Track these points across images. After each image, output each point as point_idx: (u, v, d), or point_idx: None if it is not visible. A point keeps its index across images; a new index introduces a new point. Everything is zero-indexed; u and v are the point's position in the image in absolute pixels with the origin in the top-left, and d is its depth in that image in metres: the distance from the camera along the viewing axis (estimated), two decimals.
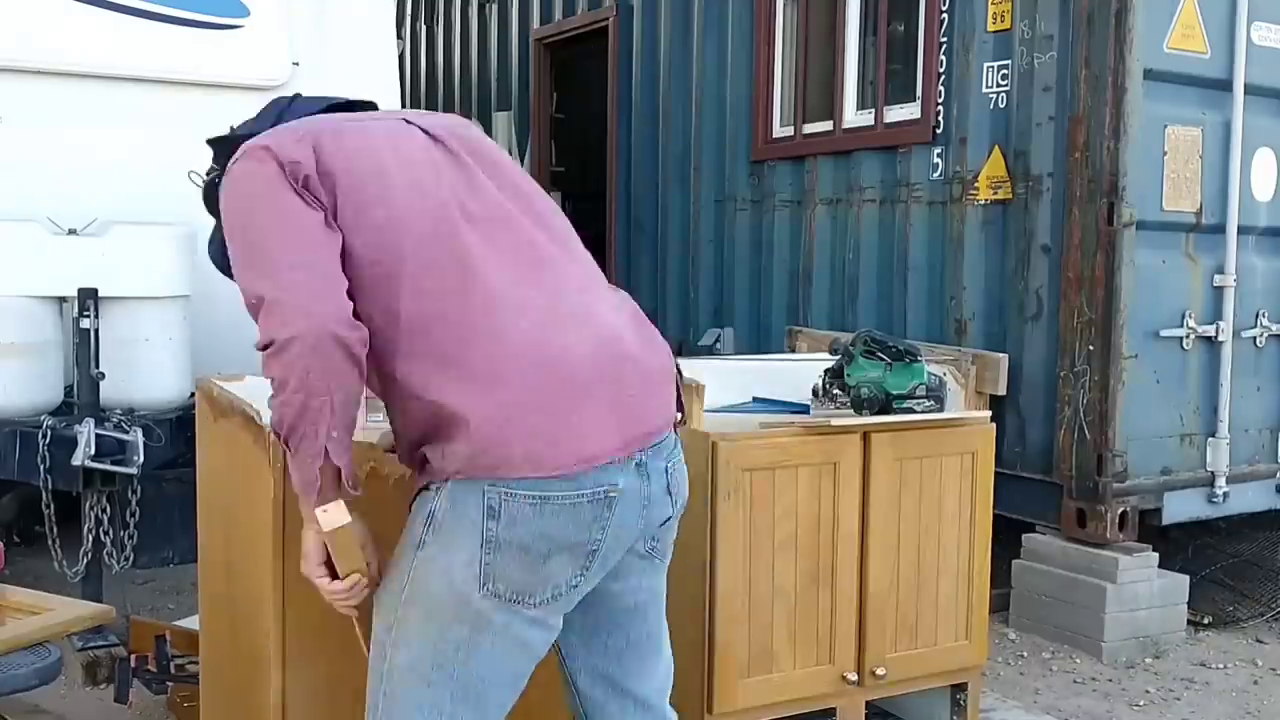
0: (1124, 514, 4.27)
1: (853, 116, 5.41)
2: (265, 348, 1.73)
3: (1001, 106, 4.63)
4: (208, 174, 2.05)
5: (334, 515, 1.80)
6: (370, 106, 2.14)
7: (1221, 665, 4.19)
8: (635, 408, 1.82)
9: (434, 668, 1.81)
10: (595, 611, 1.95)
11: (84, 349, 3.67)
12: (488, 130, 8.36)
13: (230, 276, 1.90)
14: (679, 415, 1.97)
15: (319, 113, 2.04)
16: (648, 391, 1.86)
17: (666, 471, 1.89)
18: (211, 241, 2.06)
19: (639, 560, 1.94)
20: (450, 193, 1.87)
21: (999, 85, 4.63)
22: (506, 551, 1.75)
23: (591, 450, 1.76)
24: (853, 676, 3.00)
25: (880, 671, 3.03)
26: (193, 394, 3.76)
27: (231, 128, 2.06)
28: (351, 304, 1.76)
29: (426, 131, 1.96)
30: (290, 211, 1.79)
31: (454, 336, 1.77)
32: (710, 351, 5.87)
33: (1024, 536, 4.52)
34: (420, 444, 1.81)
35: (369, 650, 1.91)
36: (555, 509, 1.74)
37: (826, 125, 5.50)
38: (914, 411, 3.02)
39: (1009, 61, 4.59)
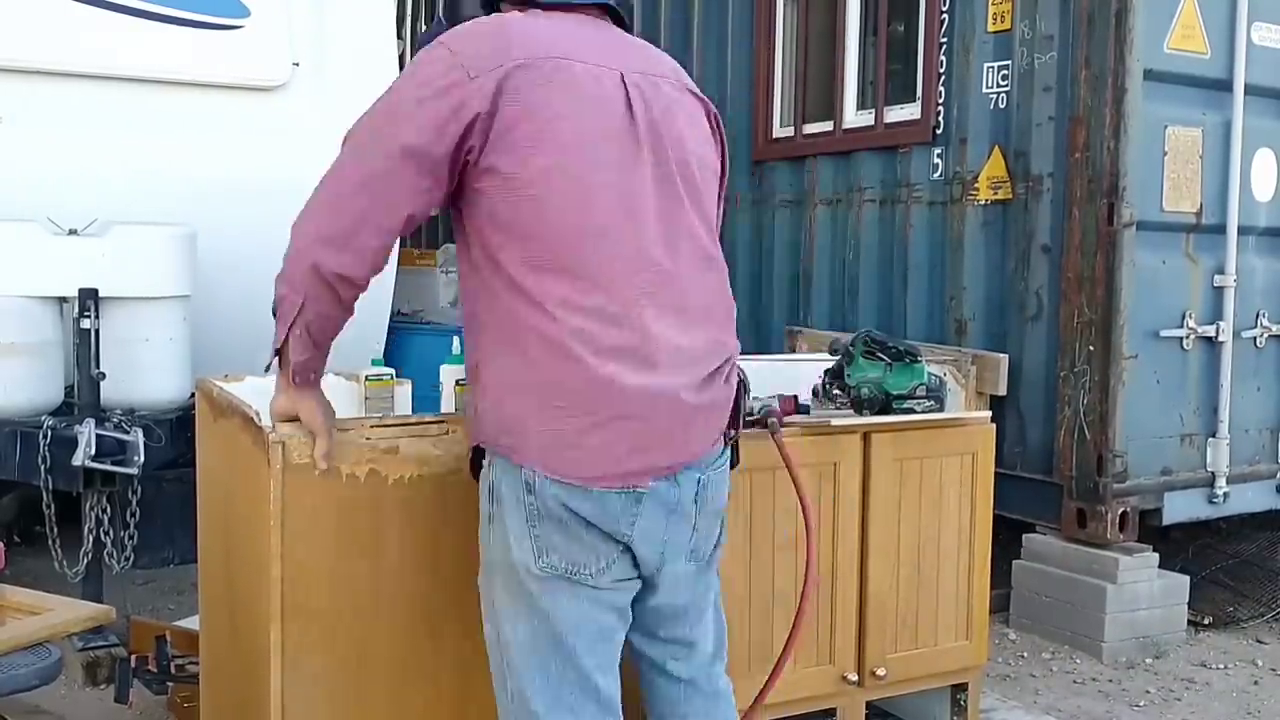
0: (1124, 514, 4.27)
1: (853, 117, 5.40)
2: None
3: (1002, 107, 4.63)
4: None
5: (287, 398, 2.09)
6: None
7: (1221, 665, 4.19)
8: (666, 445, 1.92)
9: (531, 634, 1.94)
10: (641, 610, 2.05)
11: (84, 349, 3.67)
12: None
13: None
14: (732, 432, 2.07)
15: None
16: (686, 429, 1.95)
17: (699, 482, 1.99)
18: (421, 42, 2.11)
19: (683, 564, 2.02)
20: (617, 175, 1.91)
21: (999, 85, 4.63)
22: (548, 522, 1.88)
23: (590, 474, 1.88)
24: (853, 677, 3.01)
25: (880, 672, 3.03)
26: (193, 394, 3.76)
27: None
28: (369, 249, 1.92)
29: (630, 107, 1.94)
30: (423, 126, 1.86)
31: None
32: None
33: (1024, 536, 4.52)
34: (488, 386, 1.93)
35: None
36: (581, 495, 1.87)
37: (827, 125, 5.50)
38: (914, 411, 3.02)
39: (1009, 62, 4.59)
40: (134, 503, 3.67)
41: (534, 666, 1.95)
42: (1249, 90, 4.49)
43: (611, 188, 1.89)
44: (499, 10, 2.04)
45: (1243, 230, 4.55)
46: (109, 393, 3.73)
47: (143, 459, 3.56)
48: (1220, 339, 4.52)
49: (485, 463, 1.97)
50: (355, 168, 1.95)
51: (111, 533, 3.68)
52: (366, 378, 2.98)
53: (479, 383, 1.96)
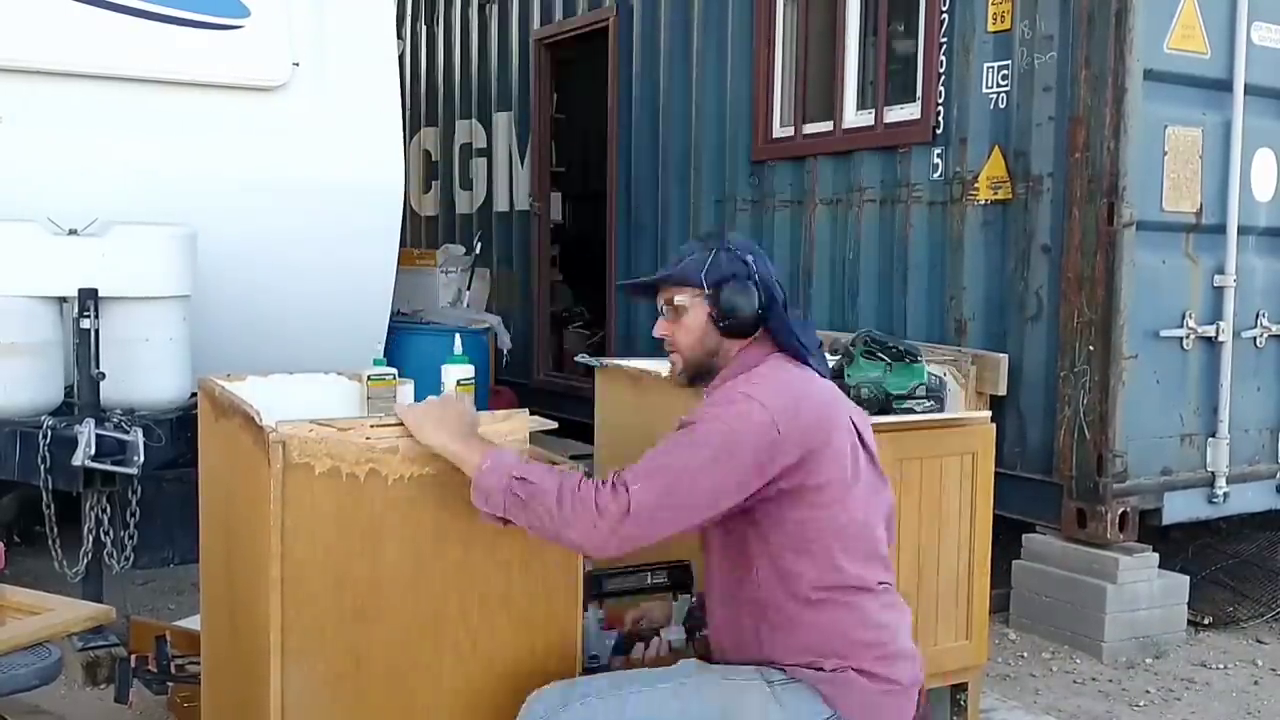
0: (1124, 514, 4.27)
1: (853, 117, 5.40)
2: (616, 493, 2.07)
3: (1001, 107, 4.63)
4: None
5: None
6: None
7: (1221, 665, 4.19)
8: None
9: None
10: None
11: (84, 349, 3.67)
12: (488, 130, 8.39)
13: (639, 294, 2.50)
14: None
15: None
16: None
17: None
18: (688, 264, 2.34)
19: None
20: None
21: (999, 85, 4.63)
22: None
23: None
24: None
25: None
26: (193, 394, 3.77)
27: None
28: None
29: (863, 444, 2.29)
30: (733, 469, 2.11)
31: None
32: None
33: (1024, 536, 4.52)
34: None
35: None
36: None
37: (827, 125, 5.50)
38: (914, 411, 3.02)
39: (1009, 62, 4.59)
40: (134, 503, 3.67)
41: None
42: (1249, 90, 4.49)
43: None
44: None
45: (1243, 230, 4.55)
46: (109, 393, 3.73)
47: (143, 459, 3.56)
48: (1220, 339, 4.52)
49: None
50: None
51: (111, 533, 3.68)
52: (369, 377, 2.98)
53: None
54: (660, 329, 2.38)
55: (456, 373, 3.08)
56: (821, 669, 2.14)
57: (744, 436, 2.10)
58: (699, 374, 2.36)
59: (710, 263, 2.28)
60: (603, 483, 2.09)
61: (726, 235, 2.40)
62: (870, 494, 2.25)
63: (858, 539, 2.19)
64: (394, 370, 3.01)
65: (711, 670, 2.24)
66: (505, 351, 7.05)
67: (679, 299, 2.32)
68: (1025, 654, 4.23)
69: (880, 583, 2.22)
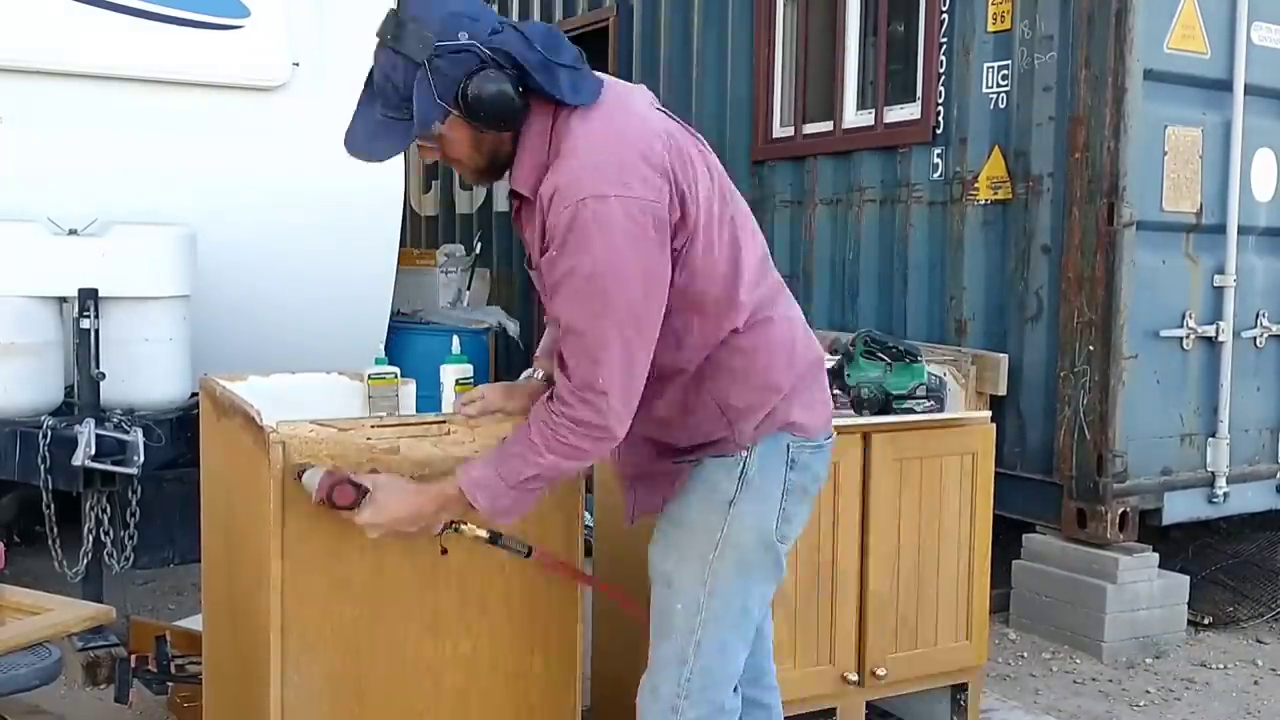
0: (1124, 514, 4.27)
1: (853, 117, 5.40)
2: (576, 421, 1.95)
3: (1001, 107, 4.63)
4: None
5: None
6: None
7: (1221, 665, 4.19)
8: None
9: (741, 611, 2.16)
10: None
11: (84, 349, 3.66)
12: None
13: (367, 157, 2.06)
14: None
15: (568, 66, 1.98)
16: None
17: None
18: (357, 127, 2.07)
19: None
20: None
21: (999, 85, 4.63)
22: (798, 495, 2.17)
23: (828, 420, 2.24)
24: (853, 676, 3.01)
25: (881, 672, 3.03)
26: (193, 394, 3.77)
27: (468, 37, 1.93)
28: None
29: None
30: (654, 278, 1.95)
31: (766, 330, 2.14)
32: None
33: (1024, 536, 4.52)
34: (723, 416, 2.11)
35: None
36: (824, 454, 2.22)
37: (827, 125, 5.50)
38: (914, 411, 3.02)
39: (1009, 62, 4.59)
40: (134, 503, 3.67)
41: (728, 642, 2.16)
42: (1249, 90, 4.49)
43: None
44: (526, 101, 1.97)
45: (1243, 230, 4.55)
46: (109, 393, 3.72)
47: (143, 459, 3.56)
48: (1220, 339, 4.52)
49: (731, 457, 2.12)
50: None
51: (111, 533, 3.68)
52: (370, 376, 2.98)
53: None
54: (427, 158, 2.10)
55: (455, 372, 3.08)
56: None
57: (634, 242, 1.89)
58: (491, 173, 2.09)
59: (434, 84, 1.93)
60: (564, 402, 1.95)
61: (410, 16, 1.95)
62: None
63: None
64: (396, 369, 3.01)
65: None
66: (517, 339, 7.07)
67: (424, 141, 2.04)
68: (1025, 654, 4.23)
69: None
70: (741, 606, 2.16)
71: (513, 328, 6.98)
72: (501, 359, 7.35)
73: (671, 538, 2.18)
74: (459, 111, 1.95)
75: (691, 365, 2.10)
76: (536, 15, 7.74)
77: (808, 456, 2.16)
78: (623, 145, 1.94)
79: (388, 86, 1.98)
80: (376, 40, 1.99)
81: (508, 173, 2.06)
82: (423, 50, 1.92)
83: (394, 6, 1.97)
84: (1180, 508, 4.50)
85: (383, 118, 2.02)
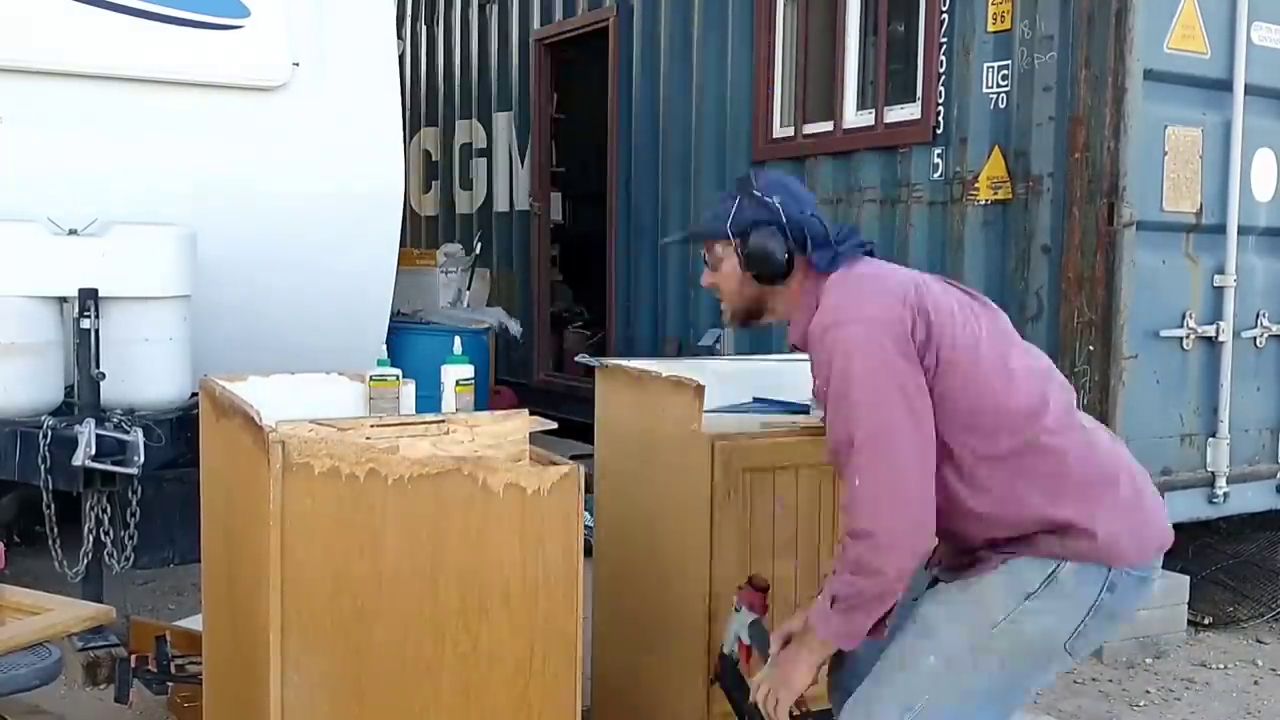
0: None
1: (853, 117, 5.40)
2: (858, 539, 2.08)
3: (1002, 107, 4.63)
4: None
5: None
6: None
7: (1221, 665, 4.19)
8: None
9: (986, 696, 2.16)
10: None
11: (84, 349, 3.66)
12: (488, 130, 8.39)
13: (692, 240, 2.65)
14: None
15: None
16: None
17: None
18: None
19: None
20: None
21: (999, 85, 4.63)
22: (1104, 618, 2.14)
23: (1159, 540, 2.20)
24: None
25: None
26: (193, 394, 3.77)
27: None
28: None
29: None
30: (909, 393, 2.09)
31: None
32: (710, 351, 5.87)
33: None
34: (1040, 530, 2.13)
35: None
36: (1147, 587, 2.19)
37: (827, 125, 5.50)
38: None
39: (1009, 62, 4.58)
40: (134, 503, 3.67)
41: (973, 710, 2.17)
42: (1249, 90, 4.49)
43: None
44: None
45: (1243, 230, 4.55)
46: (109, 393, 3.73)
47: (143, 459, 3.56)
48: (1220, 339, 4.52)
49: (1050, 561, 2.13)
50: None
51: (111, 533, 3.68)
52: (371, 378, 2.97)
53: None
54: (704, 279, 2.45)
55: (456, 373, 3.08)
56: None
57: (874, 352, 2.09)
58: (747, 318, 2.43)
59: (734, 211, 2.31)
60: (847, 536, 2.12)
61: (755, 177, 2.38)
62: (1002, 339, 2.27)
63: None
64: (398, 371, 3.01)
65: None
66: (518, 338, 7.07)
67: (714, 250, 2.38)
68: None
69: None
70: (988, 691, 2.15)
71: (514, 327, 6.98)
72: (502, 359, 7.36)
73: (956, 601, 2.19)
74: (738, 243, 2.33)
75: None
76: (536, 16, 7.74)
77: (1129, 583, 2.14)
78: (866, 282, 2.29)
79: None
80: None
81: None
82: (743, 188, 2.37)
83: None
84: (1180, 508, 4.49)
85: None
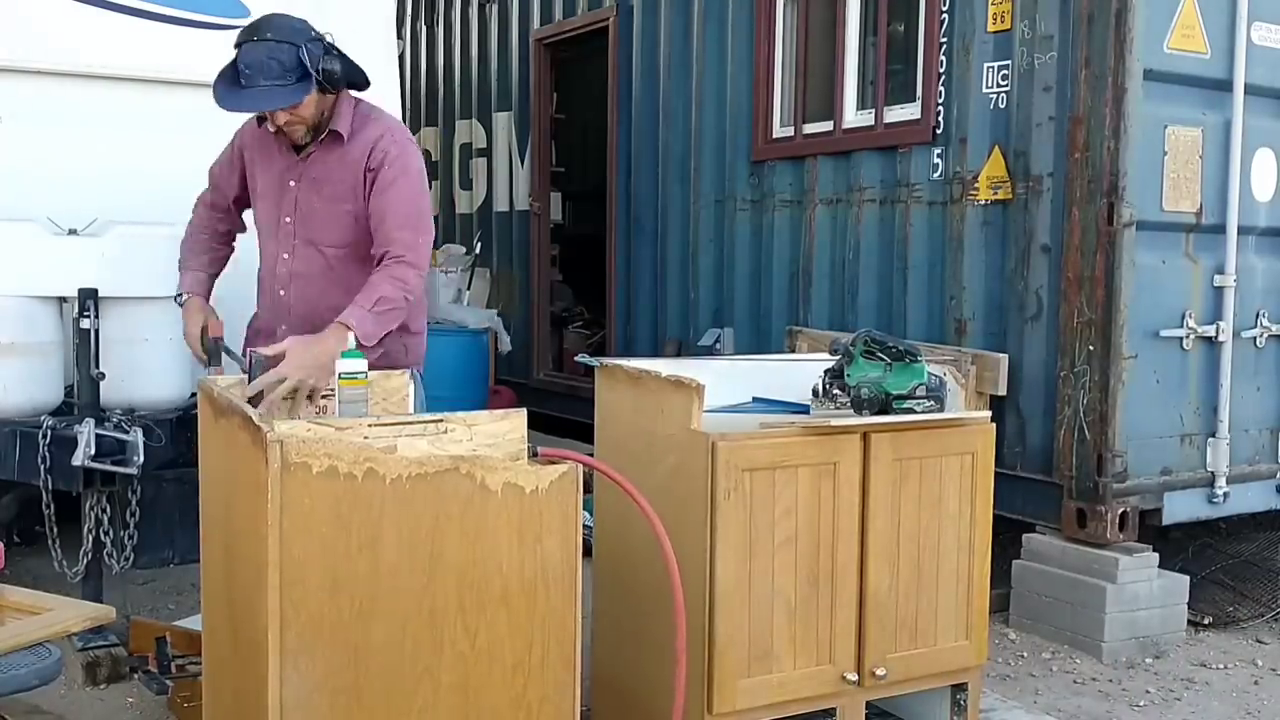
0: (1124, 514, 4.27)
1: (853, 116, 5.40)
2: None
3: (1001, 106, 4.63)
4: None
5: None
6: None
7: (1221, 665, 4.19)
8: None
9: None
10: None
11: (84, 349, 3.67)
12: (488, 130, 8.39)
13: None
14: None
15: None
16: None
17: None
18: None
19: None
20: None
21: (999, 85, 4.63)
22: None
23: None
24: (853, 676, 3.00)
25: (880, 671, 3.03)
26: (193, 394, 3.77)
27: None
28: None
29: None
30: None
31: None
32: (710, 351, 5.87)
33: (1024, 536, 4.52)
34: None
35: None
36: None
37: (826, 125, 5.50)
38: (914, 411, 3.02)
39: (1009, 61, 4.59)
40: (134, 503, 3.67)
41: None
42: (1249, 90, 4.49)
43: None
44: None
45: (1243, 230, 4.54)
46: (109, 393, 3.73)
47: (142, 459, 3.56)
48: (1220, 339, 4.52)
49: None
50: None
51: (111, 533, 3.69)
52: (340, 375, 2.78)
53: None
54: (280, 121, 3.22)
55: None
56: None
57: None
58: (318, 130, 3.29)
59: (308, 60, 3.12)
60: (398, 263, 3.15)
61: (270, 22, 3.19)
62: None
63: None
64: (364, 366, 2.78)
65: None
66: (504, 353, 7.07)
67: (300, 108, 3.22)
68: (1025, 654, 4.23)
69: None
70: None
71: (505, 341, 6.99)
72: (502, 359, 7.36)
73: None
74: (318, 79, 3.16)
75: None
76: (536, 16, 7.74)
77: None
78: None
79: (271, 64, 3.08)
80: (251, 38, 3.13)
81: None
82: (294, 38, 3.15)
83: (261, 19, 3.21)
84: (1180, 508, 4.50)
85: (269, 86, 3.11)
